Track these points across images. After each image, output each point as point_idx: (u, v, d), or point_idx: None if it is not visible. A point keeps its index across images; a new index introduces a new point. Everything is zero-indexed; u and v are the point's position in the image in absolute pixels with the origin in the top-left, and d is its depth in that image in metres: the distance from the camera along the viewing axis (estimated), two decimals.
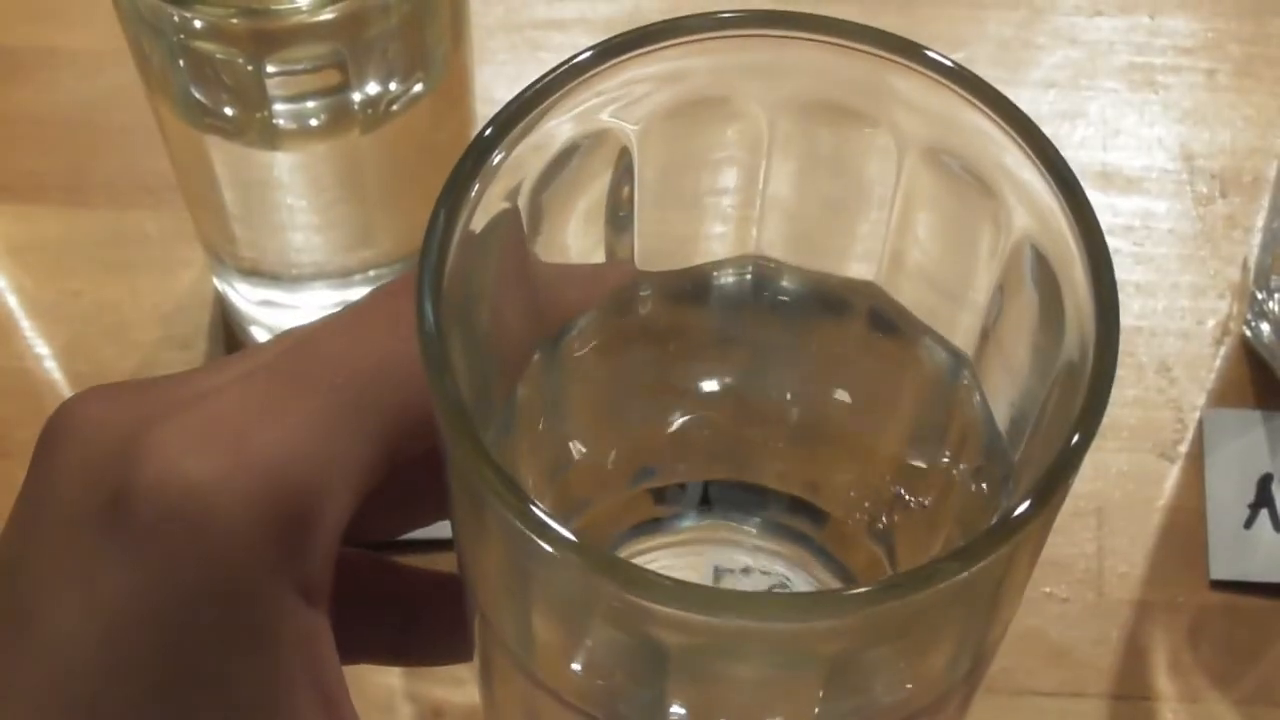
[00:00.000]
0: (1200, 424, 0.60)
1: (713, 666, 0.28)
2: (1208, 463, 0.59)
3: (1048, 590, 0.57)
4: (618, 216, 0.32)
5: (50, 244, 0.64)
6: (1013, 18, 0.71)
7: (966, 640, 0.28)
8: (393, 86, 0.50)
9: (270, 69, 0.48)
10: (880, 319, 0.33)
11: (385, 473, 0.30)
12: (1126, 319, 0.62)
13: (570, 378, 0.33)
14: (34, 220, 0.65)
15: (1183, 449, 0.60)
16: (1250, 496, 0.58)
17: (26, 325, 0.63)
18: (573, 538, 0.24)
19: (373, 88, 0.50)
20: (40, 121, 0.67)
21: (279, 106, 0.49)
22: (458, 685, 0.55)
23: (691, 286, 0.33)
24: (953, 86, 0.28)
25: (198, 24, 0.47)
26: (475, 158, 0.27)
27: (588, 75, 0.28)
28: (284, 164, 0.52)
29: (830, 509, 0.34)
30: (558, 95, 0.28)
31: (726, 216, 0.33)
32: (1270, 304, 0.61)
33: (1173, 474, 0.59)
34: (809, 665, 0.27)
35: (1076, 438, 0.26)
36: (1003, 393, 0.31)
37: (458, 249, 0.27)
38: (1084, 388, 0.26)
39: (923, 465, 0.33)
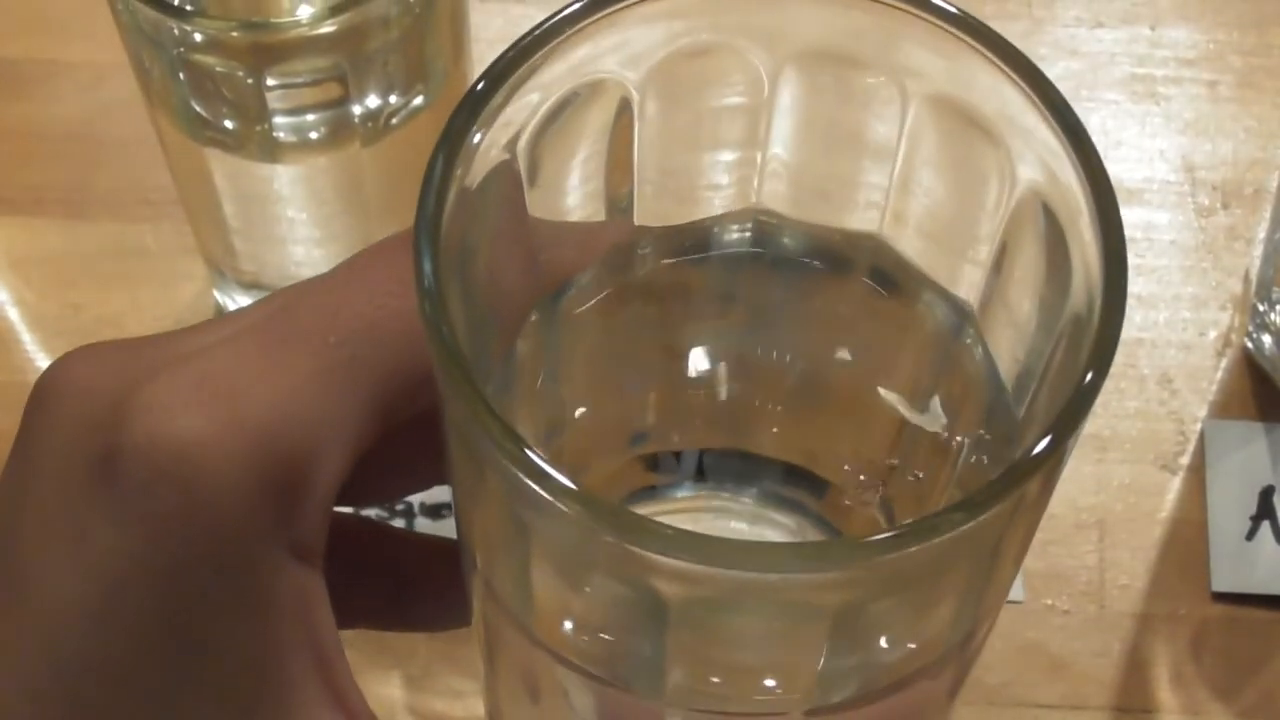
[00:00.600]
0: (1202, 436, 0.60)
1: (714, 620, 0.27)
2: (1209, 475, 0.59)
3: (1049, 603, 0.57)
4: (616, 169, 0.31)
5: (51, 257, 0.64)
6: (1013, 29, 0.71)
7: (967, 597, 0.28)
8: (393, 99, 0.50)
9: (270, 82, 0.48)
10: (882, 274, 0.32)
11: (379, 433, 0.30)
12: (1128, 331, 0.62)
13: (568, 337, 0.32)
14: (35, 233, 0.65)
15: (1184, 461, 0.60)
16: (1252, 508, 0.58)
17: (28, 338, 0.63)
18: (573, 485, 0.24)
19: (373, 101, 0.50)
20: (41, 135, 0.67)
21: (279, 120, 0.49)
22: (457, 698, 0.55)
23: (691, 243, 0.33)
24: (959, 34, 0.28)
25: (198, 37, 0.47)
26: (471, 108, 0.27)
27: (584, 24, 0.28)
28: (284, 177, 0.52)
29: (829, 476, 0.34)
30: (553, 45, 0.28)
31: (728, 170, 0.32)
32: (1272, 316, 0.61)
33: (1174, 486, 0.59)
34: (811, 618, 0.26)
35: (1089, 379, 0.25)
36: (1007, 348, 0.31)
37: (455, 201, 0.27)
38: (1091, 339, 0.26)
39: (924, 426, 0.33)
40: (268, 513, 0.28)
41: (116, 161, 0.66)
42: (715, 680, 0.29)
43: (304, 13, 0.51)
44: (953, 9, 0.28)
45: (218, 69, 0.48)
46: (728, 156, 0.32)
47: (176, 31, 0.47)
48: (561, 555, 0.27)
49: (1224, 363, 0.62)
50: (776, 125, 0.31)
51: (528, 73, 0.28)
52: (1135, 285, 0.64)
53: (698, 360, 0.34)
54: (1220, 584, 0.57)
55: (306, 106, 0.50)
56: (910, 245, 0.32)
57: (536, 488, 0.24)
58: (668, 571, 0.25)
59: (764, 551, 0.24)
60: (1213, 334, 0.63)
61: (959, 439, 0.32)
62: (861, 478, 0.33)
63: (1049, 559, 0.57)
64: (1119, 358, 0.62)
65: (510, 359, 0.31)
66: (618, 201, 0.32)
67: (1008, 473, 0.24)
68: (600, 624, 0.29)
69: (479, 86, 0.27)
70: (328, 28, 0.46)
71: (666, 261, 0.33)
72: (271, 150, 0.51)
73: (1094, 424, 0.60)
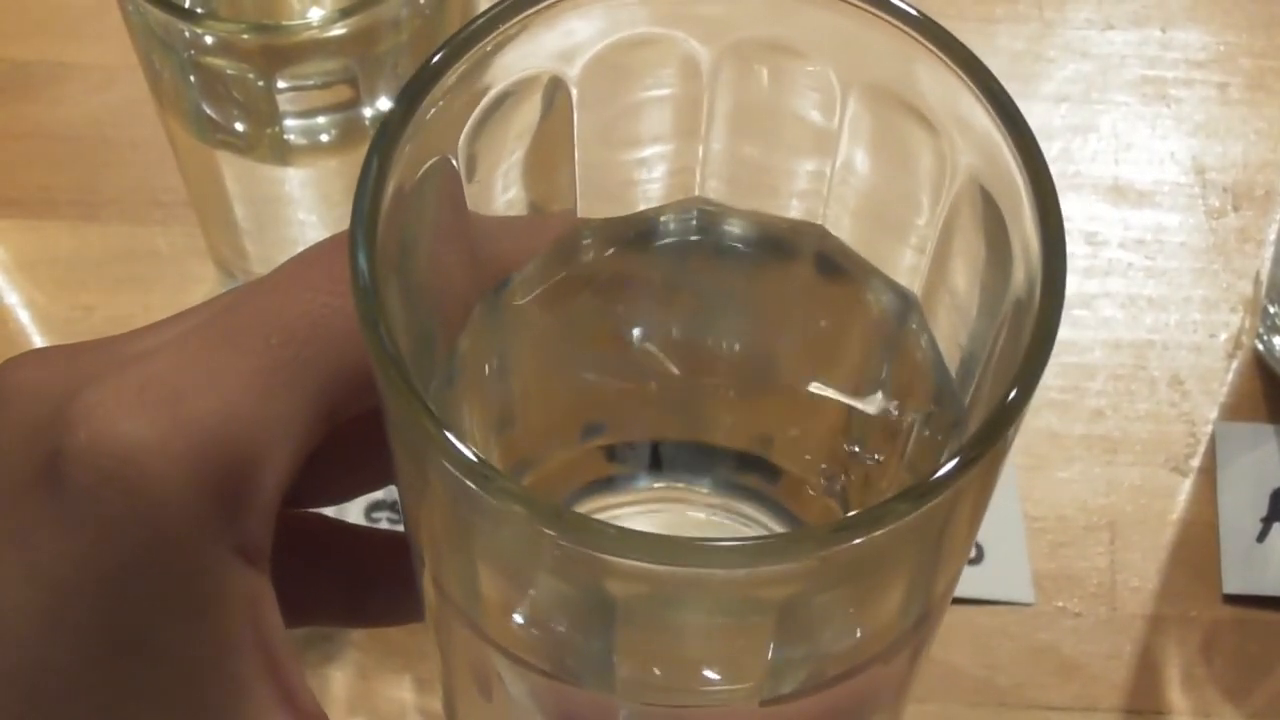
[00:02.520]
0: (1213, 438, 0.60)
1: (661, 616, 0.27)
2: (1220, 476, 0.59)
3: (1060, 605, 0.57)
4: (557, 163, 0.31)
5: (62, 259, 0.64)
6: (1024, 31, 0.71)
7: (916, 585, 0.28)
8: None
9: (281, 84, 0.48)
10: (827, 262, 0.32)
11: (325, 431, 0.30)
12: (1139, 332, 0.62)
13: (512, 330, 0.32)
14: (46, 235, 0.65)
15: (1195, 463, 0.60)
16: (1263, 510, 0.58)
17: (38, 340, 0.63)
18: (515, 487, 0.24)
19: (383, 103, 0.50)
20: (52, 136, 0.67)
21: (290, 122, 0.49)
22: None
23: (634, 234, 0.33)
24: (896, 23, 0.28)
25: (209, 40, 0.47)
26: (405, 105, 0.27)
27: (521, 17, 0.28)
28: (295, 179, 0.52)
29: (783, 464, 0.34)
30: (490, 39, 0.28)
31: (669, 161, 0.32)
32: None
33: (1185, 488, 0.59)
34: (758, 612, 0.26)
35: (1021, 376, 0.25)
36: (952, 334, 0.31)
37: (392, 199, 0.26)
38: (1031, 324, 0.26)
39: (873, 412, 0.33)
40: (213, 514, 0.28)
41: (127, 163, 0.66)
42: (665, 674, 0.29)
43: (315, 15, 0.51)
44: None
45: (228, 71, 0.48)
46: (669, 148, 0.32)
47: (187, 34, 0.47)
48: (507, 554, 0.27)
49: (1235, 364, 0.62)
50: (717, 116, 0.31)
51: (465, 68, 0.28)
52: (1146, 287, 0.64)
53: (647, 350, 0.34)
54: (1231, 586, 0.57)
55: (317, 109, 0.50)
56: (853, 233, 0.32)
57: (477, 489, 0.24)
58: (613, 570, 0.24)
59: (706, 548, 0.24)
60: (1223, 336, 0.63)
61: (908, 422, 0.32)
62: (815, 463, 0.33)
63: (1060, 561, 0.57)
64: (1129, 359, 0.62)
65: (455, 354, 0.31)
66: (559, 195, 0.32)
67: (950, 461, 0.24)
68: (548, 621, 0.29)
69: (415, 82, 0.27)
70: (338, 30, 0.46)
71: (610, 253, 0.33)
72: (282, 152, 0.51)
73: (1104, 426, 0.60)
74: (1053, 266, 0.26)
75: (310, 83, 0.48)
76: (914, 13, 0.28)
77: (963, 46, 0.27)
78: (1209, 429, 0.60)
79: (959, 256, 0.30)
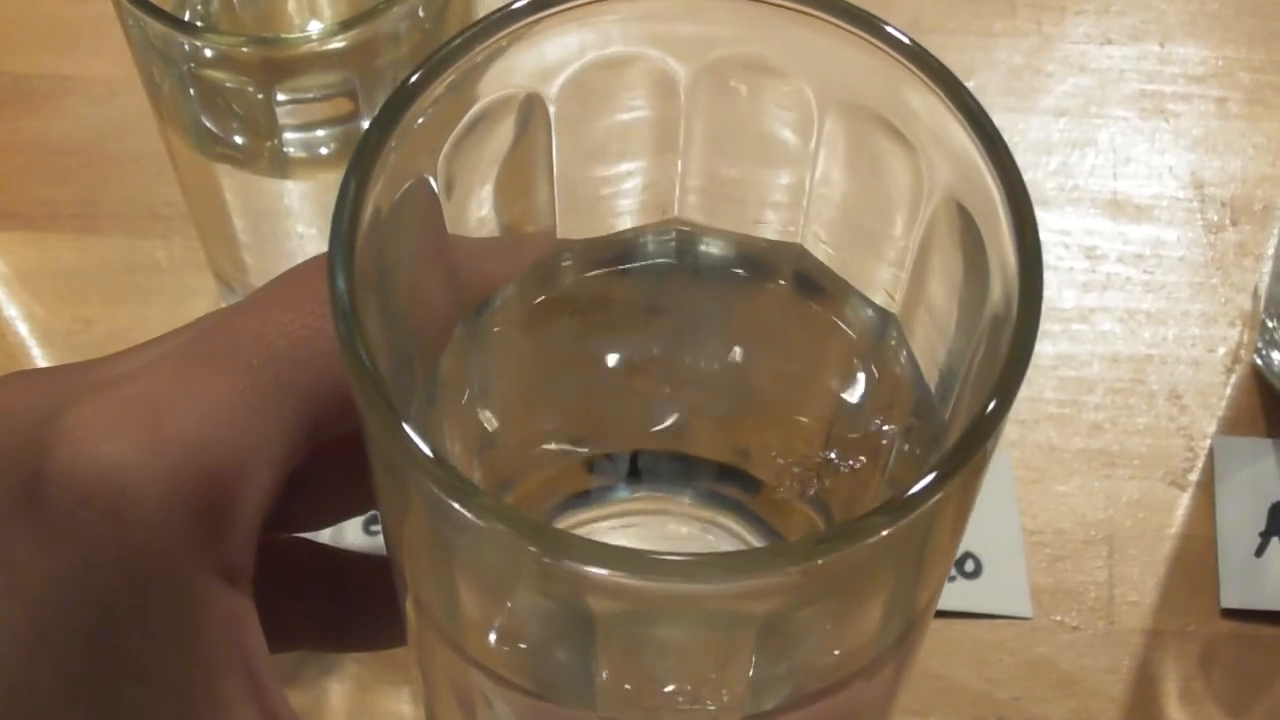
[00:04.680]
0: (1211, 452, 0.60)
1: (641, 632, 0.27)
2: (1219, 491, 0.59)
3: (1058, 618, 0.57)
4: (536, 183, 0.31)
5: (62, 272, 0.64)
6: (1023, 45, 0.71)
7: (897, 599, 0.28)
8: None
9: (281, 97, 0.48)
10: (806, 281, 0.32)
11: (307, 452, 0.30)
12: (1138, 347, 0.62)
13: (493, 351, 0.32)
14: (46, 248, 0.65)
15: (1193, 477, 0.60)
16: (1262, 524, 0.58)
17: (38, 353, 0.63)
18: (494, 503, 0.24)
19: None
20: (52, 149, 0.67)
21: (289, 135, 0.49)
22: None
23: (613, 255, 0.33)
24: (871, 40, 0.28)
25: (208, 53, 0.47)
26: (382, 127, 0.27)
27: (497, 37, 0.28)
28: (294, 192, 0.52)
29: (763, 476, 0.34)
30: (467, 59, 0.28)
31: (648, 180, 0.32)
32: None
33: (1184, 502, 0.59)
34: (739, 627, 0.26)
35: (999, 389, 0.25)
36: (931, 350, 0.31)
37: (371, 219, 0.26)
38: (1008, 339, 0.26)
39: (853, 427, 0.33)
40: (194, 535, 0.28)
41: (127, 176, 0.66)
42: (647, 691, 0.29)
43: (314, 28, 0.51)
44: (864, 15, 0.28)
45: (228, 84, 0.48)
46: (647, 166, 0.32)
47: (187, 47, 0.47)
48: (487, 571, 0.27)
49: (1233, 379, 0.62)
50: (694, 135, 0.31)
51: (443, 88, 0.28)
52: (1144, 301, 0.64)
53: (627, 368, 0.34)
54: (1230, 600, 0.57)
55: (317, 122, 0.50)
56: (831, 251, 0.32)
57: (456, 504, 0.24)
58: (593, 585, 0.24)
59: (685, 563, 0.24)
60: (1222, 350, 0.63)
61: (889, 437, 0.32)
62: (795, 470, 0.33)
63: (1058, 575, 0.57)
64: (1128, 374, 0.62)
65: (436, 375, 0.31)
66: (538, 214, 0.32)
67: (928, 475, 0.24)
68: (529, 639, 0.29)
69: (392, 103, 0.27)
70: (338, 43, 0.46)
71: (590, 273, 0.33)
72: (282, 165, 0.51)
73: (1103, 440, 0.60)
74: (1029, 281, 0.26)
75: (309, 96, 0.48)
76: (890, 30, 0.28)
77: (939, 63, 0.28)
78: (1207, 443, 0.60)
79: (937, 273, 0.30)
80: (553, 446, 0.34)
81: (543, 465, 0.34)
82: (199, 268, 0.61)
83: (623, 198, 0.33)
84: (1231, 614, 0.57)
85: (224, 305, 0.60)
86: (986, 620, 0.57)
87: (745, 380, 0.34)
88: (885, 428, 0.32)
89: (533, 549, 0.24)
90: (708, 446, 0.34)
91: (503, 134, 0.30)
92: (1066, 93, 0.70)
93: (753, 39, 0.29)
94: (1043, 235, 0.67)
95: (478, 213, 0.31)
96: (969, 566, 0.57)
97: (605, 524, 0.34)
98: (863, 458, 0.33)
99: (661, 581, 0.24)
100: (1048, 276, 0.63)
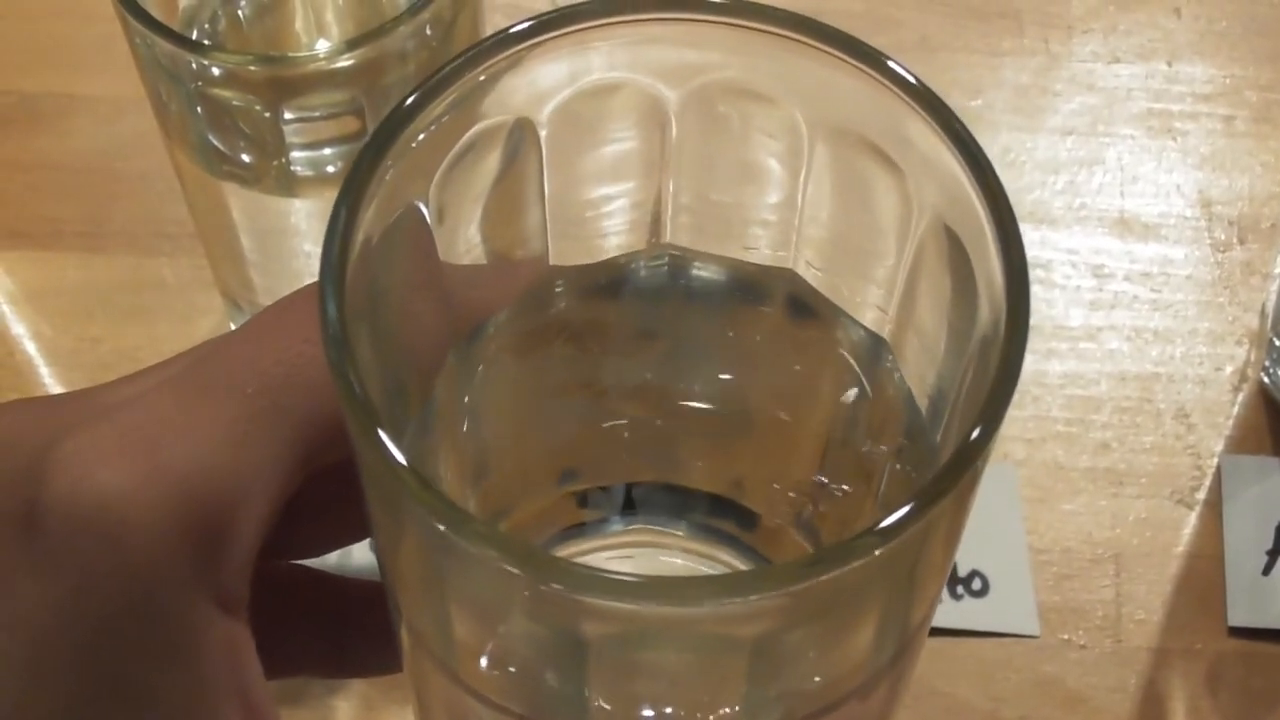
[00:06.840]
0: (1218, 470, 0.60)
1: (633, 656, 0.27)
2: (1226, 509, 0.59)
3: (1065, 637, 0.57)
4: (527, 209, 0.31)
5: (69, 290, 0.65)
6: (1030, 64, 0.71)
7: (890, 619, 0.28)
8: None
9: (288, 116, 0.48)
10: (798, 305, 0.32)
11: (302, 479, 0.30)
12: (1145, 365, 0.62)
13: (487, 379, 0.32)
14: (53, 266, 0.65)
15: (1201, 495, 0.60)
16: (1269, 543, 0.58)
17: (45, 371, 0.63)
18: (487, 530, 0.24)
19: None
20: (59, 168, 0.67)
21: (296, 153, 0.49)
22: None
23: (606, 281, 0.33)
24: (859, 65, 0.28)
25: (215, 71, 0.47)
26: (373, 154, 0.27)
27: (488, 65, 0.28)
28: (302, 211, 0.52)
29: (757, 507, 0.34)
30: (457, 86, 0.28)
31: (638, 206, 0.32)
32: None
33: (1191, 521, 0.59)
34: (731, 650, 0.26)
35: (987, 410, 0.25)
36: (922, 373, 0.31)
37: (362, 246, 0.27)
38: (996, 360, 0.26)
39: (846, 453, 0.33)
40: (191, 562, 0.28)
41: (134, 195, 0.66)
42: (640, 715, 0.29)
43: (321, 47, 0.51)
44: (852, 40, 0.28)
45: (235, 103, 0.48)
46: (637, 193, 0.32)
47: (194, 65, 0.47)
48: (479, 598, 0.27)
49: (1240, 397, 0.62)
50: (685, 160, 0.31)
51: (434, 115, 0.28)
52: (1152, 320, 0.64)
53: (619, 395, 0.34)
54: (1237, 619, 0.57)
55: (324, 140, 0.50)
56: (822, 275, 0.32)
57: (450, 533, 0.24)
58: (585, 610, 0.25)
59: (676, 586, 0.24)
60: (1229, 369, 0.63)
61: (882, 460, 0.32)
62: (790, 503, 0.33)
63: (1065, 593, 0.57)
64: (1135, 392, 0.62)
65: (430, 403, 0.31)
66: (529, 240, 0.32)
67: (918, 496, 0.24)
68: (522, 664, 0.29)
69: (382, 131, 0.27)
70: (345, 62, 0.46)
71: (582, 300, 0.33)
72: (289, 184, 0.51)
73: (1110, 458, 0.60)
74: (1016, 302, 0.26)
75: (317, 114, 0.48)
76: (878, 55, 0.28)
77: (926, 88, 0.28)
78: (1215, 462, 0.60)
79: (927, 296, 0.30)
80: (547, 476, 0.34)
81: (536, 496, 0.34)
82: (206, 286, 0.61)
83: (614, 223, 0.33)
84: (1238, 632, 0.57)
85: (231, 323, 0.60)
86: (993, 638, 0.57)
87: (738, 405, 0.34)
88: (878, 450, 0.32)
89: (524, 574, 0.24)
90: (702, 478, 0.34)
91: (494, 160, 0.30)
92: (1074, 111, 0.70)
93: (743, 65, 0.29)
94: (1050, 254, 0.68)
95: (469, 239, 0.31)
96: (976, 585, 0.57)
97: (601, 556, 0.34)
98: (856, 481, 0.33)
99: (652, 605, 0.24)
100: (1055, 295, 0.64)
